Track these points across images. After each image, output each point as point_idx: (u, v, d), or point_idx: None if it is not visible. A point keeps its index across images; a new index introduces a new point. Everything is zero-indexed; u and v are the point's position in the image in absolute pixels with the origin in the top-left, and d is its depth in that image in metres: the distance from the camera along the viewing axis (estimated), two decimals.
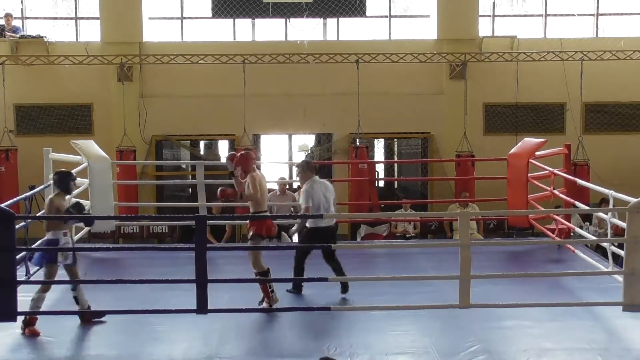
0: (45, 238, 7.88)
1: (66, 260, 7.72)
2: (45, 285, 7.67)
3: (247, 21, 16.54)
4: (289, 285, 8.66)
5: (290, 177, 15.60)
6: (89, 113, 16.06)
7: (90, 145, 11.58)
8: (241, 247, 8.64)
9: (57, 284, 8.79)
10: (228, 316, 7.78)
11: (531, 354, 7.06)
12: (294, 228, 9.08)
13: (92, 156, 11.30)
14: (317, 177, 8.75)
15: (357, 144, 15.03)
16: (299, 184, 13.87)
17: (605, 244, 10.01)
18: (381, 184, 16.80)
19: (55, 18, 16.98)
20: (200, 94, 15.96)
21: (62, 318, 7.83)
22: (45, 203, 8.02)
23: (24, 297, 7.68)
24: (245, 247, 8.85)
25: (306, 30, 16.24)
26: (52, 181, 8.06)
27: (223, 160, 16.16)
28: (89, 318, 7.83)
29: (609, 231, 9.13)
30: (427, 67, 15.96)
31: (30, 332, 7.54)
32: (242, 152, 8.56)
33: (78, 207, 7.88)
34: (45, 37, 15.85)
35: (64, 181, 7.93)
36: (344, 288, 8.52)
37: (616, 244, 8.95)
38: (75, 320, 7.80)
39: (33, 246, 8.72)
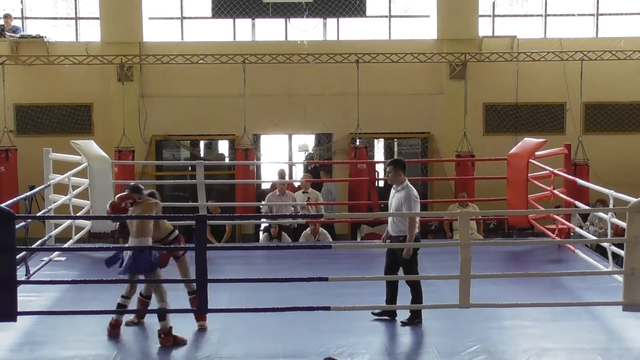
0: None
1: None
2: (162, 291, 7.50)
3: (247, 21, 16.53)
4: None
5: (291, 177, 15.59)
6: (89, 113, 16.05)
7: (90, 145, 11.59)
8: (241, 247, 8.63)
9: (56, 284, 8.85)
10: (228, 316, 7.78)
11: (531, 354, 7.07)
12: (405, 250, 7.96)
13: (92, 156, 11.31)
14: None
15: (357, 144, 15.02)
16: (298, 184, 13.94)
17: (605, 244, 10.00)
18: (381, 184, 16.78)
19: (55, 18, 16.97)
20: (200, 94, 15.95)
21: (62, 318, 7.83)
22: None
23: (24, 297, 7.69)
24: (245, 247, 8.83)
25: (306, 30, 16.23)
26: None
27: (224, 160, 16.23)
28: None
29: (609, 231, 9.12)
30: (427, 67, 15.95)
31: (180, 340, 7.36)
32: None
33: None
34: (45, 37, 15.83)
35: None
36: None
37: (616, 244, 8.95)
38: (75, 319, 7.79)
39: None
